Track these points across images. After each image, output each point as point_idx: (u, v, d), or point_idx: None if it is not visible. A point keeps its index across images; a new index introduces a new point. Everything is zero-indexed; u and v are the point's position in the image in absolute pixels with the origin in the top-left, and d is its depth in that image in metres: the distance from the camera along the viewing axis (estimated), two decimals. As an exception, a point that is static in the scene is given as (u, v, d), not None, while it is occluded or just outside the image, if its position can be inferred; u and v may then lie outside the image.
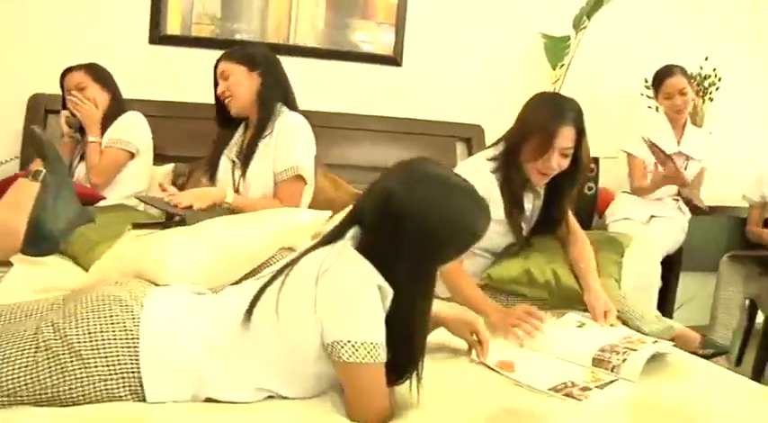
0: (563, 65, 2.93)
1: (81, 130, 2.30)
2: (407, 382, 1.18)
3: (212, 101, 2.14)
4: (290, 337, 1.14)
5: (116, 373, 1.10)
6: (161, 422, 1.04)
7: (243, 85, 2.02)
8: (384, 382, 1.14)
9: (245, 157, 2.03)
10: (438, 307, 1.36)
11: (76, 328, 1.11)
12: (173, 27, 2.72)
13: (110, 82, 2.31)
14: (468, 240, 1.21)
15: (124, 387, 1.10)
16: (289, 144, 2.01)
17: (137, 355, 1.11)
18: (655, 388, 1.32)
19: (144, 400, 1.10)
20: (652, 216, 2.74)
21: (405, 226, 1.12)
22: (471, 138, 3.01)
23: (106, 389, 1.09)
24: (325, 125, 2.78)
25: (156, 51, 2.72)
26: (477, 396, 1.24)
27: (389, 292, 1.13)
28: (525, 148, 1.78)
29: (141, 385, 1.11)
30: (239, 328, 1.15)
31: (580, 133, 1.76)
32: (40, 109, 2.51)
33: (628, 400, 1.26)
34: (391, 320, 1.14)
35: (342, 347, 1.09)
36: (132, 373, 1.11)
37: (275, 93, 2.06)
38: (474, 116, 3.03)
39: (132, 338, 1.12)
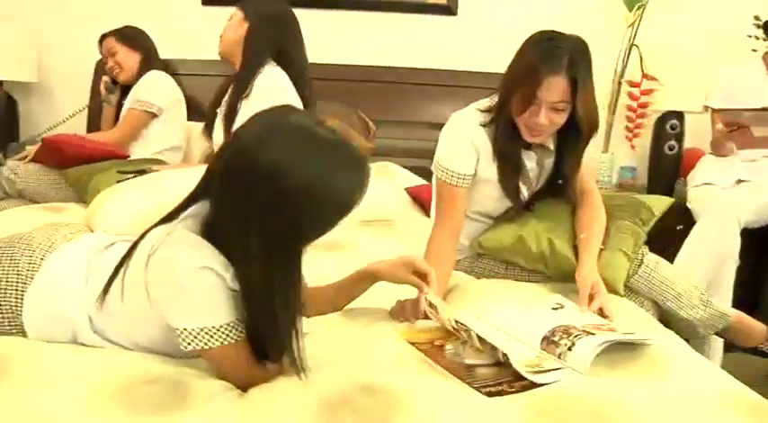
0: (641, 5, 2.51)
1: (123, 93, 2.43)
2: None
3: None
4: (142, 318, 1.07)
5: (3, 311, 1.13)
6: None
7: (232, 30, 1.99)
8: (244, 358, 1.04)
9: (228, 118, 1.98)
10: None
11: None
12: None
13: (140, 43, 2.40)
14: (334, 209, 0.99)
15: (10, 324, 1.13)
16: (266, 104, 1.92)
17: (22, 300, 1.13)
18: (599, 385, 1.06)
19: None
20: (739, 180, 2.28)
21: (253, 190, 0.94)
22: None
23: None
24: (376, 79, 2.71)
25: (208, 12, 2.78)
26: (342, 368, 1.09)
27: (230, 269, 1.00)
28: (513, 100, 1.51)
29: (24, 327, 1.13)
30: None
31: (575, 83, 1.43)
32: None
33: (541, 399, 1.01)
34: (247, 301, 1.01)
35: (180, 335, 1.01)
36: (16, 315, 1.13)
37: (262, 45, 1.98)
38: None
39: (23, 283, 1.14)
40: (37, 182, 2.22)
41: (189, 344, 1.01)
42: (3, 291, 1.13)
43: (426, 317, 1.26)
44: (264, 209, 0.95)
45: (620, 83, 2.57)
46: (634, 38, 2.49)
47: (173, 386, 1.00)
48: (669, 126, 2.51)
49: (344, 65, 2.75)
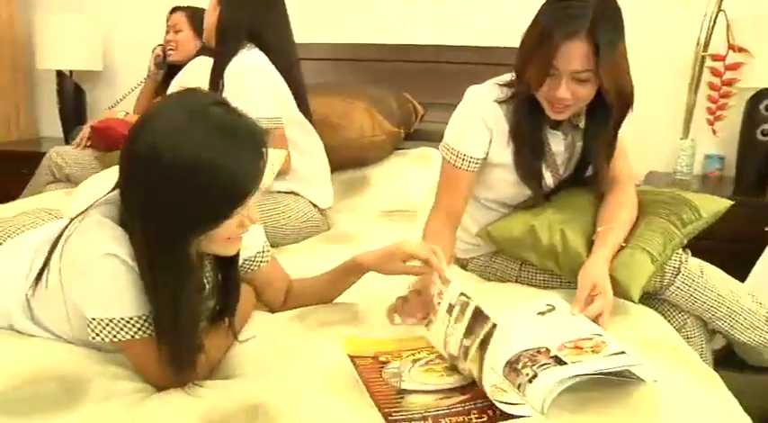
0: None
1: (168, 73, 2.43)
2: None
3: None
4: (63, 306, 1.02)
5: None
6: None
7: (209, 15, 1.88)
8: (153, 360, 0.96)
9: None
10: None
11: None
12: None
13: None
14: (216, 194, 0.88)
15: None
16: (238, 96, 1.70)
17: None
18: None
19: None
20: None
21: (134, 173, 0.90)
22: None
23: None
24: (452, 61, 2.52)
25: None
26: (248, 383, 0.98)
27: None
28: (530, 72, 1.29)
29: None
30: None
31: (598, 48, 1.20)
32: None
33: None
34: (147, 293, 0.94)
35: (89, 325, 0.95)
36: None
37: (233, 30, 1.82)
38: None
39: None
40: (81, 166, 2.29)
41: (97, 335, 0.95)
42: None
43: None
44: (145, 193, 0.89)
45: (703, 57, 2.19)
46: (722, 1, 2.10)
47: (67, 385, 0.94)
48: (764, 107, 2.11)
49: (397, 45, 2.59)
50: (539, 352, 1.00)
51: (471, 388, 0.95)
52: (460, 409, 0.89)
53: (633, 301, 1.25)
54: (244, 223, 0.96)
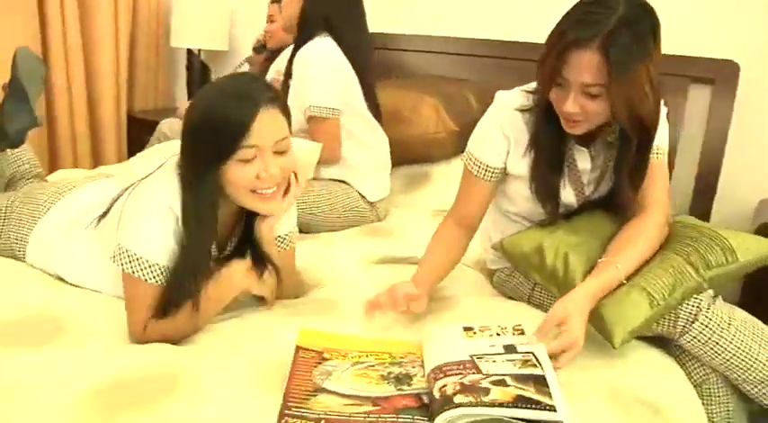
0: None
1: (268, 58, 2.58)
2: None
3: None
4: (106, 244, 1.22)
5: (20, 238, 1.39)
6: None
7: (289, 7, 1.95)
8: (147, 305, 1.12)
9: (282, 87, 1.96)
10: None
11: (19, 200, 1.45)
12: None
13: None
14: (218, 124, 1.08)
15: (20, 249, 1.39)
16: (302, 80, 1.86)
17: (30, 234, 1.37)
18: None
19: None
20: None
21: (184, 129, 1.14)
22: (716, 79, 2.13)
23: (13, 245, 1.40)
24: (522, 58, 2.41)
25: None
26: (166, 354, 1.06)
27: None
28: (540, 78, 1.21)
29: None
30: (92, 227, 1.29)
31: (614, 64, 1.07)
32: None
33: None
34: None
35: (116, 251, 1.13)
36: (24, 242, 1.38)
37: (313, 19, 1.88)
38: (725, 48, 2.12)
39: (35, 220, 1.38)
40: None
41: (115, 258, 1.13)
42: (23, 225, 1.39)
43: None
44: (184, 140, 1.14)
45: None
46: None
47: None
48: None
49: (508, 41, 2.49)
50: (464, 366, 0.97)
51: (388, 402, 0.94)
52: (360, 419, 0.90)
53: (613, 346, 1.11)
54: (260, 175, 1.11)
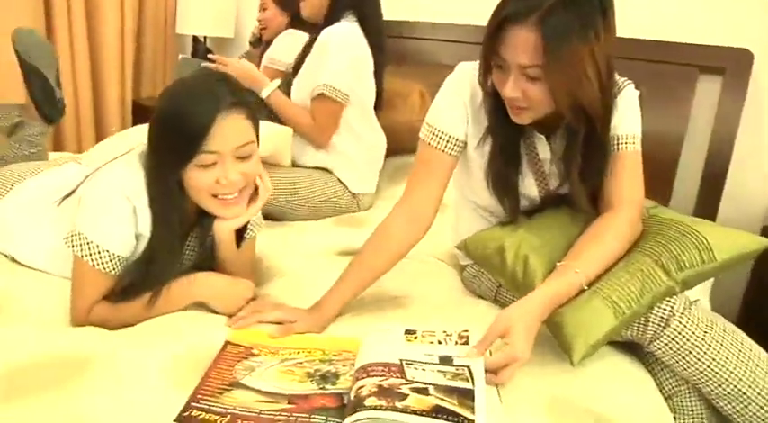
0: None
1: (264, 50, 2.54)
2: None
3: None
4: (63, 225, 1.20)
5: None
6: None
7: None
8: (96, 291, 1.11)
9: (295, 66, 1.94)
10: None
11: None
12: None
13: (291, 4, 2.43)
14: (178, 126, 1.04)
15: None
16: (320, 60, 1.82)
17: None
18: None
19: None
20: None
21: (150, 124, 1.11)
22: (726, 68, 2.00)
23: None
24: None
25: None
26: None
27: (145, 213, 1.10)
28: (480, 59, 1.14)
29: None
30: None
31: (551, 43, 0.98)
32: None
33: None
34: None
35: (71, 234, 1.11)
36: None
37: (339, 4, 1.86)
38: (736, 36, 1.99)
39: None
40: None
41: (69, 240, 1.11)
42: None
43: None
44: (149, 138, 1.11)
45: None
46: None
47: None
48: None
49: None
50: (390, 369, 0.91)
51: (306, 400, 0.89)
52: (269, 416, 0.85)
53: (571, 362, 1.02)
54: (219, 180, 1.07)
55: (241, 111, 1.07)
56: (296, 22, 2.40)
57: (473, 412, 0.83)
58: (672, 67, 2.07)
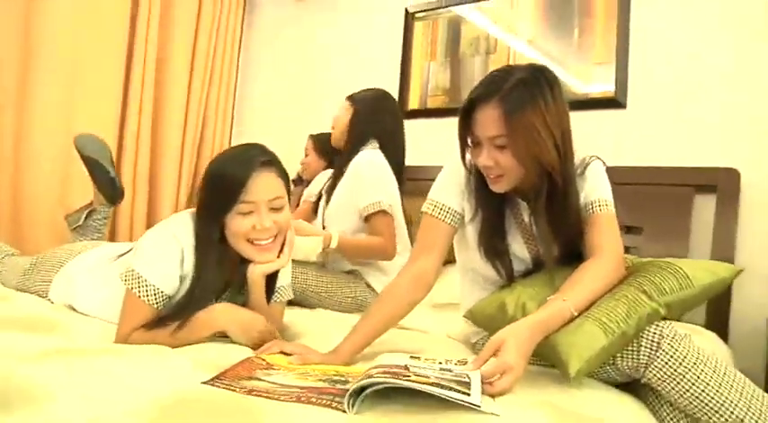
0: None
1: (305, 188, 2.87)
2: None
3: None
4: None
5: (46, 280, 1.62)
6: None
7: (341, 118, 2.22)
8: (136, 320, 1.27)
9: (328, 192, 2.16)
10: None
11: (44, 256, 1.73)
12: (413, 102, 3.11)
13: (328, 152, 2.73)
14: (215, 184, 1.29)
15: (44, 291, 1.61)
16: (357, 183, 2.04)
17: (54, 277, 1.60)
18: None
19: None
20: None
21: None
22: (717, 185, 2.20)
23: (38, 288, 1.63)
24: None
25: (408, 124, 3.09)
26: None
27: (191, 256, 1.30)
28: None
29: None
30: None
31: (510, 114, 1.21)
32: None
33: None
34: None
35: (126, 271, 1.31)
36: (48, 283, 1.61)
37: (367, 126, 2.14)
38: (725, 157, 2.22)
39: (62, 264, 1.63)
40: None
41: (125, 279, 1.31)
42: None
43: None
44: (198, 195, 1.38)
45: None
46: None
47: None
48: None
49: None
50: (397, 366, 1.02)
51: (315, 390, 0.99)
52: (284, 392, 0.95)
53: (568, 377, 1.10)
54: (255, 226, 1.29)
55: (272, 169, 1.32)
56: (333, 164, 2.76)
57: (469, 389, 0.92)
58: (669, 189, 2.28)
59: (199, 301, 1.28)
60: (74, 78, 2.86)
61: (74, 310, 1.47)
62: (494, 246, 1.39)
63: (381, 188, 2.03)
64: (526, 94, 1.23)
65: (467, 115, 1.29)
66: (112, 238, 3.10)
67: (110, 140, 2.87)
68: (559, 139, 1.26)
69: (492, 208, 1.39)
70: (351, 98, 2.26)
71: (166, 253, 1.30)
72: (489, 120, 1.25)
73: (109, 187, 2.03)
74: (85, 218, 2.01)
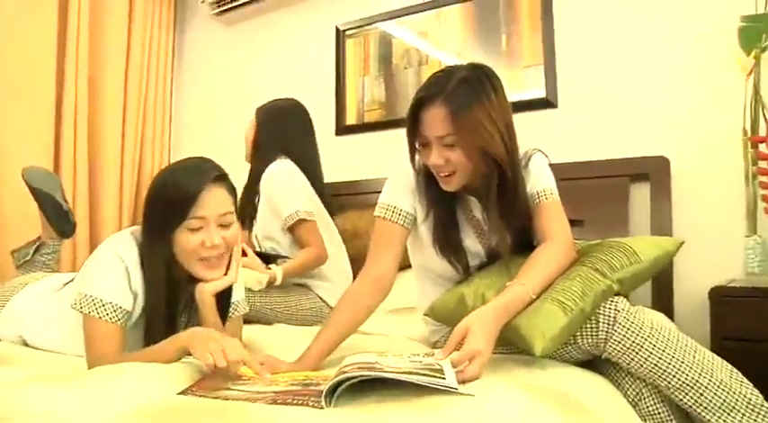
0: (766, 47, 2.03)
1: None
2: None
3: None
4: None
5: None
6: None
7: (248, 133, 2.22)
8: (103, 344, 1.22)
9: (251, 215, 2.14)
10: None
11: None
12: (351, 118, 3.13)
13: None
14: (172, 195, 1.24)
15: None
16: (274, 195, 2.04)
17: None
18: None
19: None
20: None
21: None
22: (649, 173, 2.32)
23: None
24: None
25: (340, 141, 3.14)
26: None
27: (137, 273, 1.26)
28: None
29: None
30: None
31: (456, 113, 1.25)
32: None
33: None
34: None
35: (77, 299, 1.25)
36: None
37: (269, 139, 2.13)
38: (655, 146, 2.34)
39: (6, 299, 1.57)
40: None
41: (76, 304, 1.24)
42: None
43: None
44: (144, 209, 1.33)
45: (746, 143, 2.04)
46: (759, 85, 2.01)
47: None
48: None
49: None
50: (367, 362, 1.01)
51: (289, 393, 0.97)
52: (258, 397, 0.93)
53: (534, 354, 1.14)
54: (204, 243, 1.25)
55: (223, 185, 1.30)
56: None
57: (443, 374, 0.93)
58: (605, 181, 2.37)
59: (154, 324, 1.24)
60: (2, 103, 2.77)
61: (25, 343, 1.40)
62: (448, 241, 1.42)
63: (294, 197, 2.03)
64: (470, 91, 1.27)
65: (414, 117, 1.32)
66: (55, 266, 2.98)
67: (46, 166, 2.78)
68: (505, 132, 1.30)
69: (443, 206, 1.42)
70: (258, 110, 2.24)
71: (112, 271, 1.25)
72: (437, 120, 1.28)
73: (62, 221, 1.94)
74: (33, 252, 1.91)
